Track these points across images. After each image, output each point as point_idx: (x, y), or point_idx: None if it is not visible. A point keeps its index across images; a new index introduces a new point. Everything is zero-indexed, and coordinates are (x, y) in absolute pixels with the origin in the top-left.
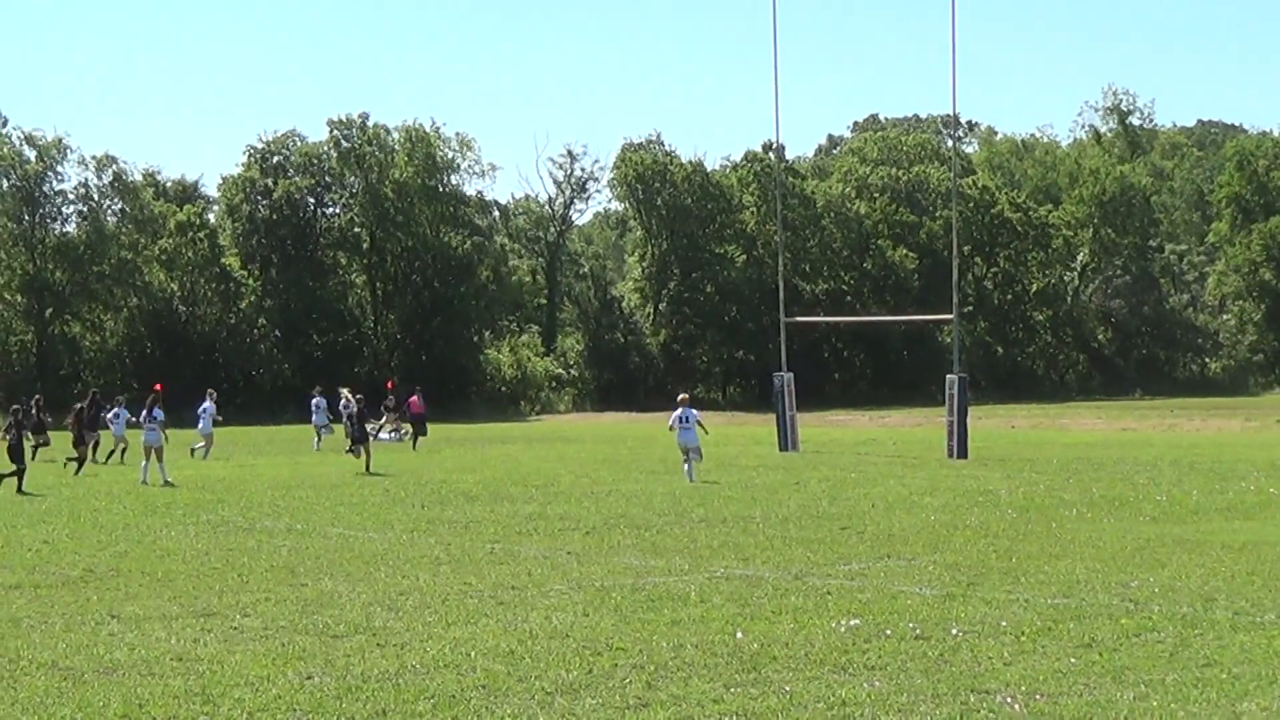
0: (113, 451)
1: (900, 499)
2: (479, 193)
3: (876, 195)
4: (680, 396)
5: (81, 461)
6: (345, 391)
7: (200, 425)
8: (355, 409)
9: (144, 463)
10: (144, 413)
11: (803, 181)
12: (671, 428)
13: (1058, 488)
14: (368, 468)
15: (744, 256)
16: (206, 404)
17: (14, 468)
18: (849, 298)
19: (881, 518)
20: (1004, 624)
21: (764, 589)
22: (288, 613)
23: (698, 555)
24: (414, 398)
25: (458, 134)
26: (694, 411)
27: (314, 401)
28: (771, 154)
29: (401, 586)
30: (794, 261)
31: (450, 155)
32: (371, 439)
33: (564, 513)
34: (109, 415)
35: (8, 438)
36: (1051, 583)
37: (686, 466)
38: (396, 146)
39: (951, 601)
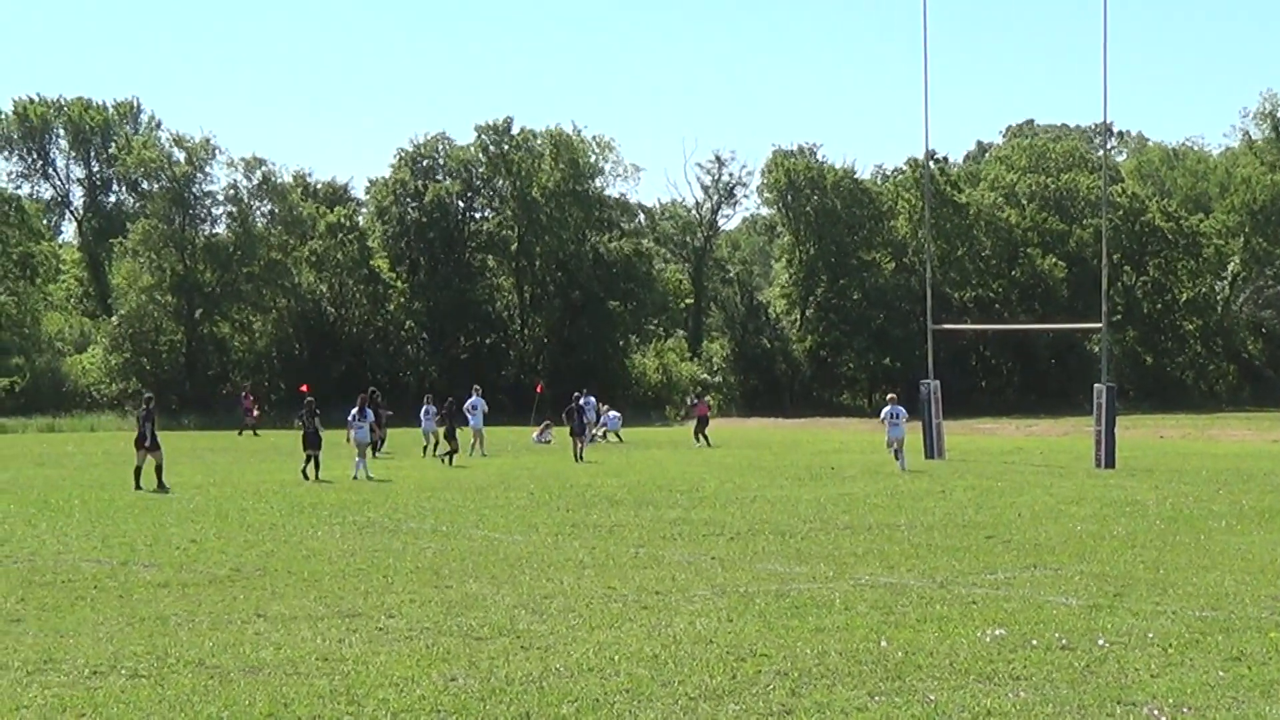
0: (426, 447)
1: (1047, 508)
2: (623, 195)
3: (1026, 203)
4: (889, 395)
5: (453, 452)
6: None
7: (471, 421)
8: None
9: (357, 459)
10: (354, 411)
11: (955, 190)
12: (882, 421)
13: (1206, 499)
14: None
15: (892, 263)
16: (475, 399)
17: (309, 453)
18: (997, 305)
19: (1028, 527)
20: (1151, 636)
21: (909, 597)
22: (432, 614)
23: (842, 562)
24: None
25: (596, 136)
26: (902, 409)
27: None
28: (930, 161)
29: (546, 589)
30: (943, 268)
31: (593, 159)
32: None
33: (709, 518)
34: (422, 411)
35: (302, 425)
36: (1200, 595)
37: (898, 457)
38: (543, 151)
39: (1098, 612)
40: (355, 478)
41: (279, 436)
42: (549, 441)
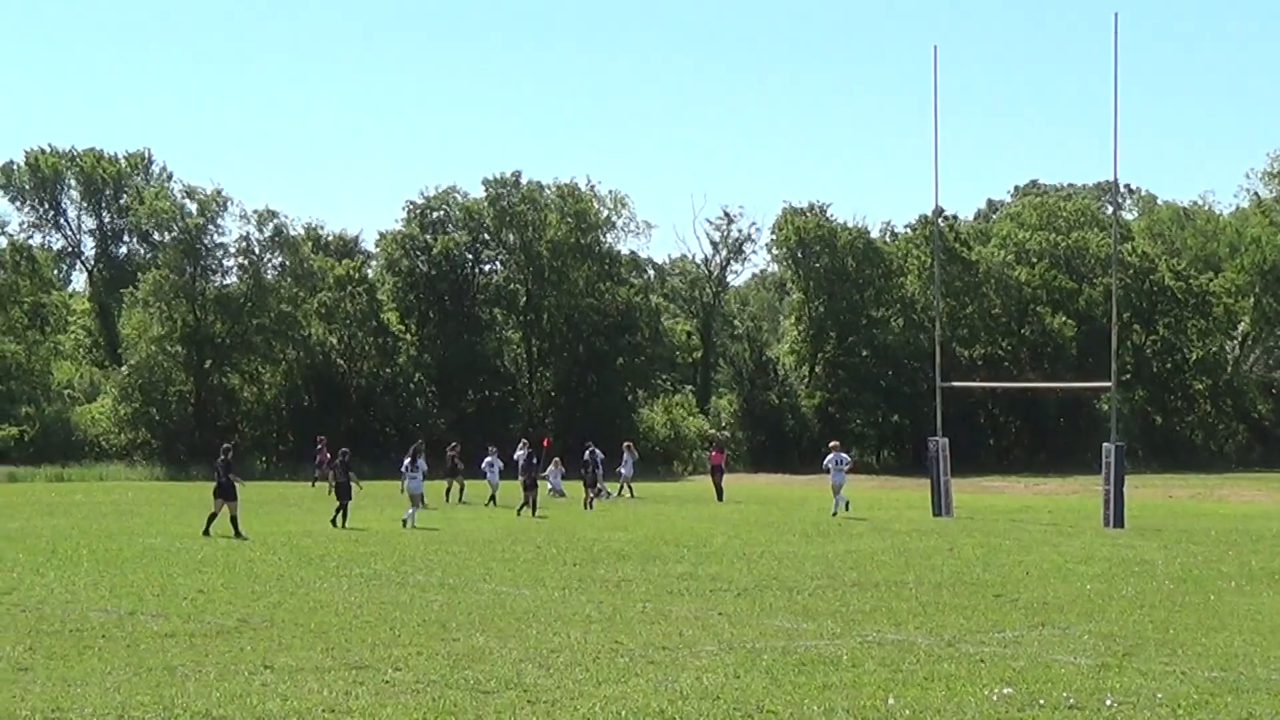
0: (492, 497)
1: (1055, 567)
2: (633, 252)
3: (1035, 261)
4: (831, 443)
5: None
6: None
7: (490, 476)
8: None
9: (410, 509)
10: (407, 461)
11: (964, 247)
12: (826, 469)
13: (1215, 559)
14: (533, 512)
15: (901, 321)
16: (492, 457)
17: (340, 504)
18: (1006, 363)
19: (1036, 585)
20: (1160, 696)
21: (916, 655)
22: (439, 667)
23: (850, 619)
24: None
25: (611, 192)
26: (845, 455)
27: (486, 461)
28: (940, 219)
29: (553, 643)
30: (952, 326)
31: (604, 213)
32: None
33: (716, 573)
34: (484, 463)
35: (336, 477)
36: (1209, 655)
37: (836, 500)
38: (550, 204)
39: (1106, 672)
40: (405, 524)
41: (286, 488)
42: (563, 494)
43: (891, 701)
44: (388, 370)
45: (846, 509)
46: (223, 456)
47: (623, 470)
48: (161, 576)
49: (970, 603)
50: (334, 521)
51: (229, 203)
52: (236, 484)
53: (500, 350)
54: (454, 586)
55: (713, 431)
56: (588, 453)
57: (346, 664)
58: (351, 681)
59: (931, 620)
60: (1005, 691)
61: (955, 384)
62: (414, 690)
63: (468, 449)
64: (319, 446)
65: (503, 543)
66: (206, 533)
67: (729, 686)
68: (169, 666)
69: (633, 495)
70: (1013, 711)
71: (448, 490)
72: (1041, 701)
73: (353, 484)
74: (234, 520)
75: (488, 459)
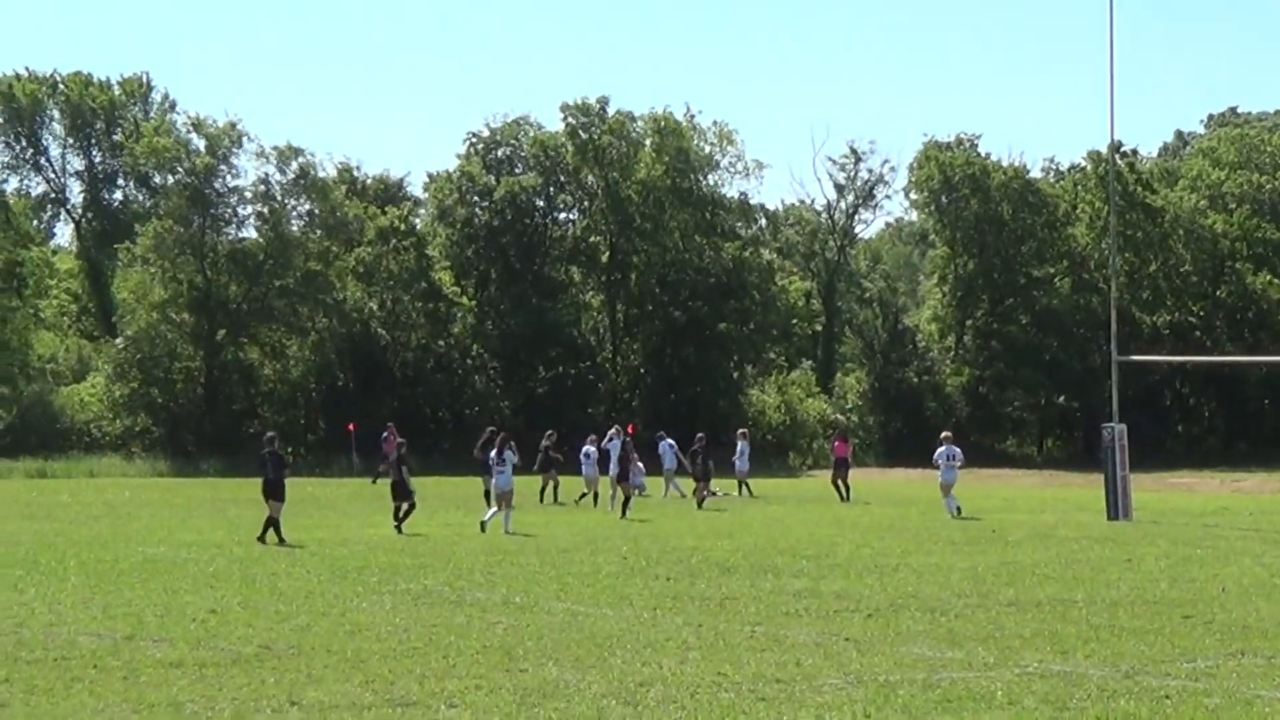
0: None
1: (1258, 582)
2: (741, 196)
3: (1234, 207)
4: (944, 434)
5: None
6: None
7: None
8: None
9: (491, 510)
10: (494, 454)
11: (1147, 191)
12: (936, 464)
13: None
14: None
15: (1069, 281)
16: (589, 447)
17: (397, 504)
18: (1198, 332)
19: (1234, 605)
20: None
21: (1086, 689)
22: (503, 704)
23: (1005, 646)
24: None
25: (716, 124)
26: (957, 449)
27: (584, 451)
28: (1117, 156)
29: (641, 675)
30: (1131, 287)
31: (706, 150)
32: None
33: (841, 590)
34: (581, 453)
35: (388, 474)
36: None
37: (948, 502)
38: (643, 139)
39: None
40: (483, 528)
41: (317, 486)
42: (644, 490)
43: None
44: (440, 342)
45: (959, 513)
46: (270, 447)
47: (737, 463)
48: (165, 594)
49: (1153, 626)
50: (398, 527)
51: (245, 138)
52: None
53: (578, 318)
54: (521, 606)
55: (837, 416)
56: (698, 442)
57: (390, 700)
58: None
59: (1105, 647)
60: None
61: (1135, 358)
62: None
63: (537, 437)
64: (385, 435)
65: (580, 552)
66: (281, 542)
67: None
68: (175, 703)
69: (751, 493)
70: None
71: (542, 489)
72: None
73: (406, 480)
74: (276, 524)
75: (585, 448)
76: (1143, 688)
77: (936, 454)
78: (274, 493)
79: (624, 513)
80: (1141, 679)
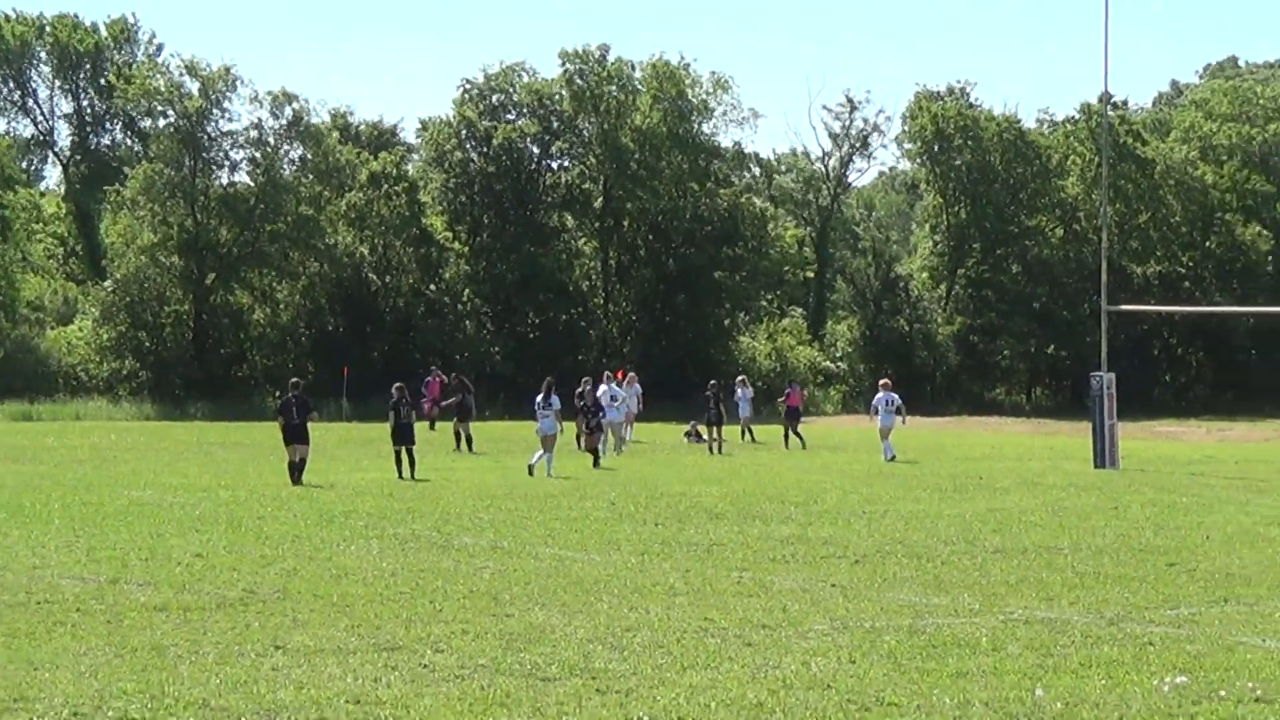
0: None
1: (1242, 530)
2: (736, 144)
3: (1225, 159)
4: (881, 381)
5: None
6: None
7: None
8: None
9: (539, 452)
10: (539, 398)
11: (1138, 142)
12: (875, 410)
13: None
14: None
15: (1060, 230)
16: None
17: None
18: (1187, 283)
19: (1218, 553)
20: None
21: (1071, 636)
22: (489, 649)
23: (991, 593)
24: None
25: (713, 73)
26: (895, 395)
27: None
28: (1109, 107)
29: (628, 621)
30: (1121, 238)
31: (703, 98)
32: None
33: (828, 536)
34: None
35: (395, 416)
36: None
37: (886, 446)
38: (642, 86)
39: None
40: (531, 472)
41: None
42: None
43: (1040, 692)
44: (432, 287)
45: (892, 459)
46: (294, 392)
47: (740, 408)
48: (150, 537)
49: (1138, 573)
50: (400, 473)
51: (238, 83)
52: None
53: (570, 264)
54: (508, 551)
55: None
56: (709, 390)
57: (376, 645)
58: (382, 666)
59: (1090, 594)
60: (1178, 680)
61: (1125, 308)
62: (458, 676)
63: (529, 382)
64: (429, 379)
65: (569, 498)
66: (298, 482)
67: (842, 674)
68: (158, 646)
69: (754, 439)
70: (1187, 705)
71: (578, 434)
72: (1223, 693)
73: (413, 423)
74: (302, 464)
75: (605, 391)
76: (1126, 634)
77: (875, 400)
78: (296, 436)
79: (597, 460)
80: (1125, 625)
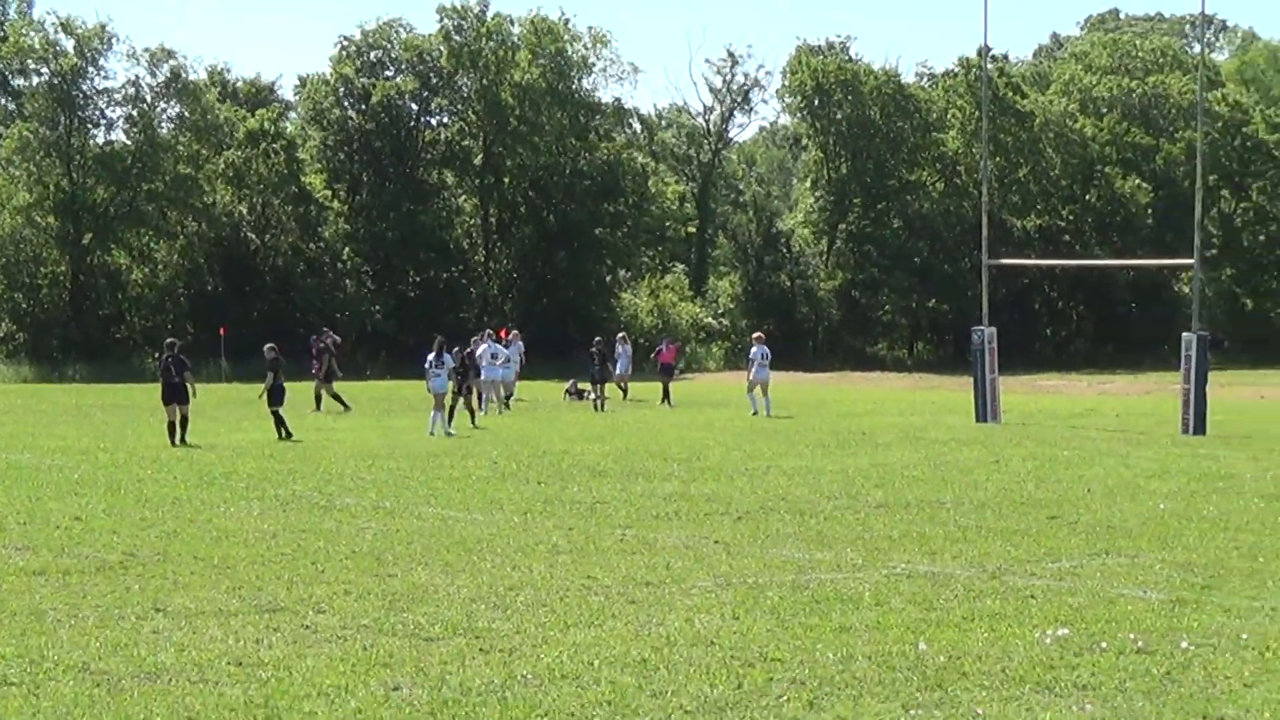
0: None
1: (1123, 483)
2: (616, 100)
3: (1104, 111)
4: (755, 335)
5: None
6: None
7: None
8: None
9: (434, 413)
10: (430, 356)
11: (1018, 95)
12: (750, 363)
13: None
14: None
15: (941, 184)
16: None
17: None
18: (1067, 236)
19: (1099, 505)
20: (1245, 637)
21: (953, 589)
22: (371, 609)
23: (873, 548)
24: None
25: (591, 28)
26: (767, 349)
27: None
28: (988, 60)
29: (511, 580)
30: (1001, 191)
31: (582, 53)
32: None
33: (711, 493)
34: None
35: (272, 378)
36: None
37: (751, 397)
38: (520, 42)
39: (1182, 608)
40: (432, 434)
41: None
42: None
43: (923, 646)
44: (311, 246)
45: (767, 413)
46: (170, 353)
47: (618, 365)
48: (28, 500)
49: (1019, 527)
50: (279, 434)
51: (114, 40)
52: (190, 386)
53: (450, 222)
54: (390, 511)
55: (704, 323)
56: (594, 346)
57: (257, 606)
58: (263, 627)
59: (972, 548)
60: (1060, 633)
61: (1005, 261)
62: (340, 637)
63: (411, 342)
64: (315, 339)
65: (450, 457)
66: (183, 441)
67: (726, 630)
68: (37, 611)
69: (626, 396)
70: (1069, 656)
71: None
72: (1104, 644)
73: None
74: (184, 424)
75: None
76: (1008, 587)
77: (752, 353)
78: (175, 395)
79: (474, 419)
80: (1007, 579)
